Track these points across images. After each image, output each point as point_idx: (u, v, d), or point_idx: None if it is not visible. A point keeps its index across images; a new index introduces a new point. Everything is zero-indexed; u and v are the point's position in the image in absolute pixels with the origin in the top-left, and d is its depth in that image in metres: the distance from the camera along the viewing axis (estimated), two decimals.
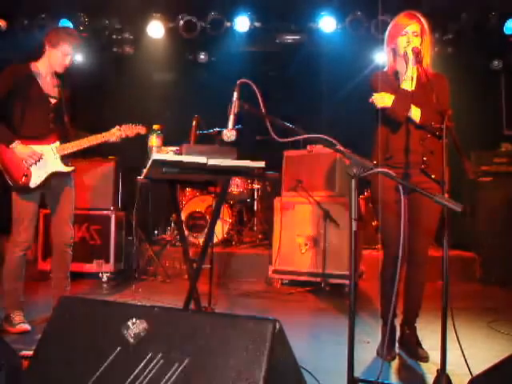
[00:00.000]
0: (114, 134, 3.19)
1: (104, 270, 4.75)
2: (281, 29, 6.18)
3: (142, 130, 3.28)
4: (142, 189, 5.34)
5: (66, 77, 3.24)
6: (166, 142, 2.80)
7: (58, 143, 3.12)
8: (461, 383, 2.16)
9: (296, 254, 4.57)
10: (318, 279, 4.39)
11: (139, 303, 3.67)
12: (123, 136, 3.22)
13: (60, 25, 5.69)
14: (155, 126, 2.79)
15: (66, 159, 3.17)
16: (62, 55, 3.11)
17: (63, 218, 3.25)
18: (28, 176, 3.01)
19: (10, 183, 3.01)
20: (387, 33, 2.72)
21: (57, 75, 3.20)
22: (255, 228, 5.75)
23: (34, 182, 3.03)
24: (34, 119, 3.05)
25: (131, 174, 3.71)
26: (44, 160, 3.06)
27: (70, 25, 5.74)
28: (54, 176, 3.11)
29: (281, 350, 1.47)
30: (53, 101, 3.16)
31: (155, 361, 1.50)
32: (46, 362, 1.63)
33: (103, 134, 3.18)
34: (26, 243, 3.09)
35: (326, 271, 4.37)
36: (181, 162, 2.34)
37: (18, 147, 2.96)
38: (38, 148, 3.04)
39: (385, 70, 2.77)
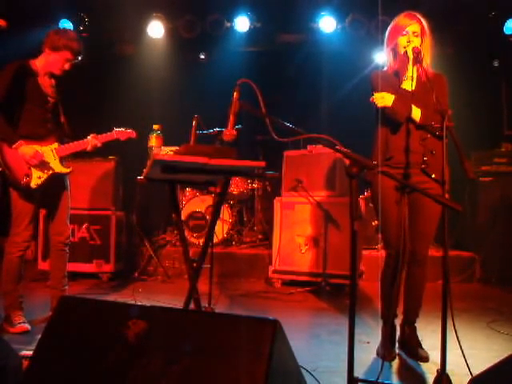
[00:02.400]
0: (89, 143, 3.19)
1: (104, 270, 4.75)
2: (281, 29, 6.18)
3: (132, 134, 3.35)
4: (142, 189, 5.36)
5: (61, 78, 3.23)
6: (166, 142, 2.80)
7: (56, 144, 3.13)
8: (461, 383, 2.16)
9: (296, 254, 4.57)
10: (318, 279, 4.39)
11: (139, 303, 3.67)
12: (99, 145, 3.21)
13: (60, 25, 5.69)
14: (155, 126, 2.80)
15: (64, 160, 3.19)
16: (62, 60, 3.11)
17: (61, 218, 3.25)
18: (29, 176, 3.02)
19: (11, 183, 3.01)
20: (387, 33, 2.72)
21: (52, 75, 3.19)
22: (255, 228, 5.74)
23: (35, 182, 3.03)
24: (32, 119, 3.06)
25: (131, 173, 3.71)
26: (44, 161, 3.07)
27: (70, 25, 5.74)
28: (53, 177, 3.12)
29: (281, 350, 1.47)
30: (51, 100, 3.17)
31: (155, 361, 1.50)
32: (46, 362, 1.63)
33: (82, 141, 3.18)
34: (26, 243, 3.08)
35: (326, 271, 4.37)
36: (181, 162, 2.34)
37: (22, 147, 2.96)
38: (38, 149, 3.04)
39: (385, 69, 2.77)
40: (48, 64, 3.12)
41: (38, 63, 3.12)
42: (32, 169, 3.02)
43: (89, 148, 3.20)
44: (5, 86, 2.94)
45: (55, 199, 3.23)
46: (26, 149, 2.97)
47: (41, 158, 3.03)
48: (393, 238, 2.65)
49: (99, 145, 3.23)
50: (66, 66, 3.15)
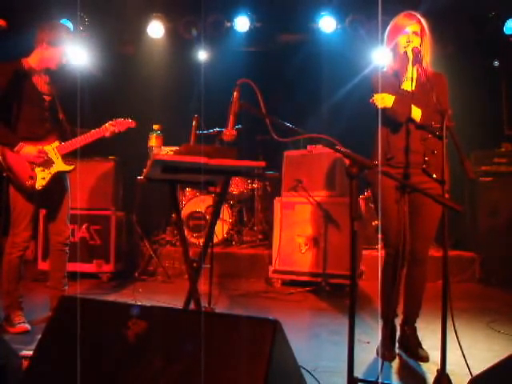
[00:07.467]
0: (108, 129, 3.20)
1: (104, 270, 4.74)
2: (281, 29, 6.18)
3: (131, 124, 3.31)
4: (142, 189, 5.35)
5: (55, 72, 3.20)
6: (166, 142, 2.80)
7: (57, 143, 3.12)
8: (461, 383, 2.16)
9: (296, 254, 4.57)
10: (318, 279, 4.39)
11: (139, 303, 3.67)
12: (116, 131, 3.23)
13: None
14: (155, 126, 2.80)
15: (66, 158, 3.18)
16: (60, 54, 3.08)
17: (61, 218, 3.25)
18: (33, 178, 3.01)
19: (16, 186, 3.00)
20: (387, 33, 2.72)
21: (47, 71, 3.15)
22: (255, 228, 5.74)
23: (40, 183, 3.03)
24: (30, 119, 3.03)
25: (131, 173, 3.71)
26: (47, 161, 3.07)
27: (70, 25, 5.73)
28: (56, 176, 3.11)
29: (281, 350, 1.47)
30: (47, 98, 3.13)
31: (155, 361, 1.50)
32: (46, 362, 1.63)
33: (97, 129, 3.18)
34: (25, 243, 3.08)
35: (326, 271, 4.37)
36: (181, 162, 2.34)
37: (24, 148, 2.95)
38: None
39: (385, 70, 2.77)
40: (44, 59, 3.07)
41: (32, 61, 3.07)
42: (35, 170, 3.02)
43: (108, 134, 3.20)
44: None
45: (56, 199, 3.22)
46: (29, 149, 2.97)
47: (46, 153, 3.03)
48: (393, 237, 2.65)
49: (116, 130, 3.22)
50: (64, 60, 3.13)
